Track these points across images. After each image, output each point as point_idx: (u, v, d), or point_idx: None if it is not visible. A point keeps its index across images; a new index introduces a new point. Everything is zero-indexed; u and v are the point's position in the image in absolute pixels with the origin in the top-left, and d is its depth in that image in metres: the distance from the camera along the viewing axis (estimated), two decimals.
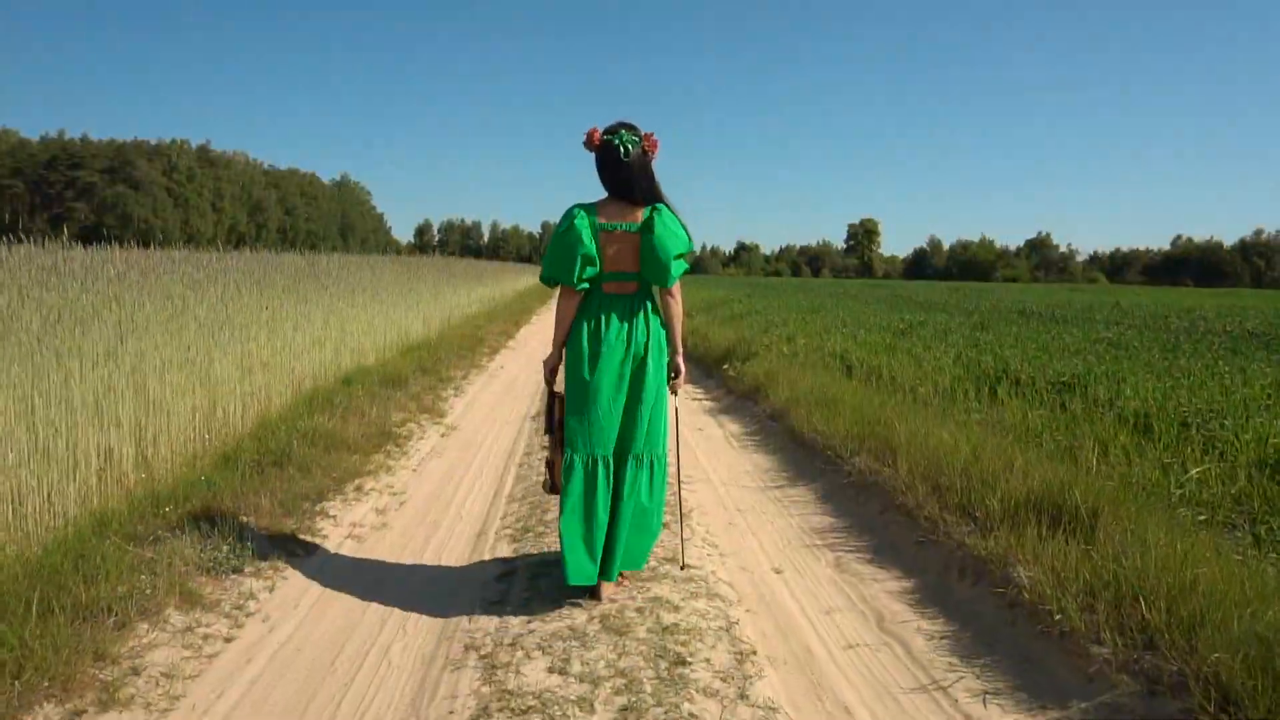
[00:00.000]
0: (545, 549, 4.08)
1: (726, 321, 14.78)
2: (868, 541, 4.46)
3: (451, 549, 4.24)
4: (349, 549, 4.21)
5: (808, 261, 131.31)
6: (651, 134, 3.29)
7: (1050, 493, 3.83)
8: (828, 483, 5.50)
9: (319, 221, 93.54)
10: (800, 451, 6.33)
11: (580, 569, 3.27)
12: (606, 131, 3.25)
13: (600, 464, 3.31)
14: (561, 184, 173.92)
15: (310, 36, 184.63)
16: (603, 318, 3.31)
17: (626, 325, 3.32)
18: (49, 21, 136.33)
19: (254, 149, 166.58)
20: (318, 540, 4.27)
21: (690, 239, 3.35)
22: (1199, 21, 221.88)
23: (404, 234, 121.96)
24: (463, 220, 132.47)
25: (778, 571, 4.06)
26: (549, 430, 3.49)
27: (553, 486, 3.48)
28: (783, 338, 11.10)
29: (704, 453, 6.59)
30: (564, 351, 3.42)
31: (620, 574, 3.51)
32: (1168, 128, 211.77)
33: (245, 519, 4.22)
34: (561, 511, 3.30)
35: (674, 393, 3.52)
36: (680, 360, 3.47)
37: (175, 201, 77.50)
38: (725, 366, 9.96)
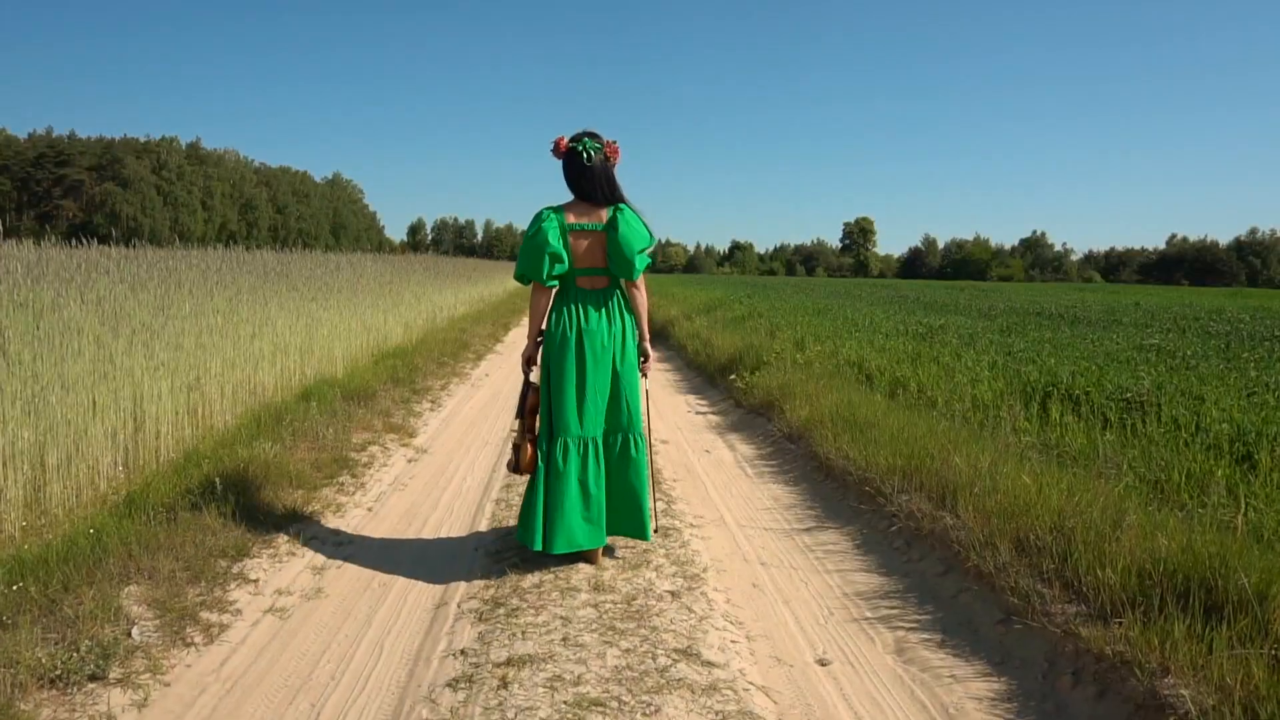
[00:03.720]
0: (517, 634, 3.12)
1: (729, 325, 13.80)
2: (932, 615, 3.50)
3: (401, 630, 3.27)
4: (265, 632, 3.23)
5: (802, 260, 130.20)
6: (614, 141, 3.61)
7: (1196, 564, 2.87)
8: (866, 527, 4.55)
9: (311, 220, 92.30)
10: (828, 484, 5.37)
11: (569, 537, 3.56)
12: (572, 139, 3.55)
13: (582, 444, 3.57)
14: (558, 184, 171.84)
15: (304, 34, 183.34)
16: (577, 310, 3.58)
17: (599, 315, 3.60)
18: (39, 18, 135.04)
19: (245, 147, 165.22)
20: (226, 618, 3.30)
21: (652, 235, 3.61)
22: (1192, 19, 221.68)
23: (397, 233, 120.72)
24: (456, 219, 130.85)
25: (823, 663, 3.10)
26: (519, 415, 3.72)
27: (516, 466, 3.68)
28: (792, 343, 10.13)
29: (714, 482, 5.63)
30: (540, 342, 3.69)
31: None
32: (1163, 127, 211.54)
33: (130, 591, 3.25)
34: (545, 490, 3.56)
35: (644, 375, 3.80)
36: (648, 346, 3.79)
37: (164, 199, 76.36)
38: (732, 376, 8.99)
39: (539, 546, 3.56)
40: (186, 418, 5.77)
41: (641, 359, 3.78)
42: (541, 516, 3.54)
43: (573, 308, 3.60)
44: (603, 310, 3.62)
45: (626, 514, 3.69)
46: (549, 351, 3.61)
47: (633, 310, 3.71)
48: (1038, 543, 3.42)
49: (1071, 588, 3.14)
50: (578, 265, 3.57)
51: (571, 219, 3.54)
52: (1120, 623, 2.79)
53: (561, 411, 3.55)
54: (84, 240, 8.28)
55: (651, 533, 3.83)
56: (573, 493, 3.54)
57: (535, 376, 3.70)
